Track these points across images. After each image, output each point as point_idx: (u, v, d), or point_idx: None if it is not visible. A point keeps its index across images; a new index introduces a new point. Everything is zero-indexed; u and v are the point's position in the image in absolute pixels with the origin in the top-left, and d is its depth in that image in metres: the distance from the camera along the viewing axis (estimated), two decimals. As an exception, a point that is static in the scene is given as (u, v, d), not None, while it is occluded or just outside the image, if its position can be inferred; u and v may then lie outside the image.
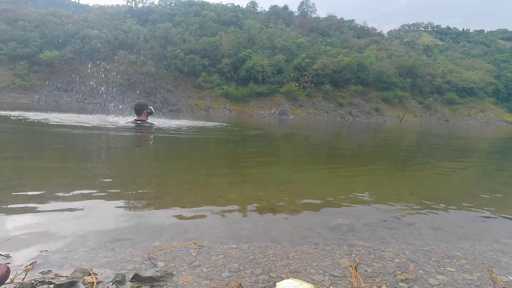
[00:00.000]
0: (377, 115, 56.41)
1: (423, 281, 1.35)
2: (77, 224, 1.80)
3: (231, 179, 3.26)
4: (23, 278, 1.20)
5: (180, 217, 2.00)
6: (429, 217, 2.24)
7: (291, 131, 13.34)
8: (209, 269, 1.36)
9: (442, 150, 8.11)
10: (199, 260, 1.43)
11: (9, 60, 46.75)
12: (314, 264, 1.46)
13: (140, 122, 7.84)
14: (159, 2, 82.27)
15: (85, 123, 8.19)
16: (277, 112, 51.78)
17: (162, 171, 3.54)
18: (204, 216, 2.03)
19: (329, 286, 1.27)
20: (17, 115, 9.81)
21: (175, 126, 9.21)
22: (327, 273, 1.37)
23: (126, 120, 8.64)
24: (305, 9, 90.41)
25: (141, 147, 5.49)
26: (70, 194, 2.33)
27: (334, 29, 79.63)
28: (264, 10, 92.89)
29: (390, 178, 3.92)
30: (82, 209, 2.01)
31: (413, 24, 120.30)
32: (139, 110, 7.89)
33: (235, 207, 2.24)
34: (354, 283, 1.29)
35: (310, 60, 58.65)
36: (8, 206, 1.99)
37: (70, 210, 2.00)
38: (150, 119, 8.34)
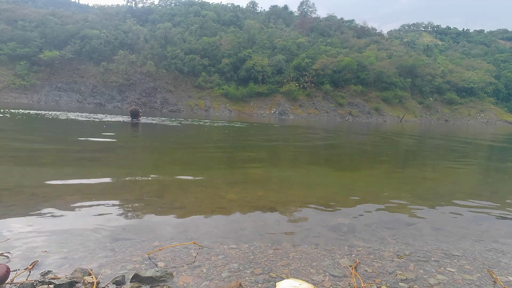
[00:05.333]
0: (377, 115, 56.40)
1: (423, 281, 1.35)
2: (77, 224, 1.80)
3: (235, 179, 3.26)
4: (23, 278, 1.20)
5: (180, 217, 2.00)
6: (429, 217, 2.24)
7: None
8: (209, 269, 1.36)
9: (442, 150, 8.11)
10: (199, 261, 1.43)
11: (9, 60, 46.74)
12: (314, 264, 1.46)
13: (136, 120, 10.08)
14: (159, 2, 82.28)
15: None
16: (277, 112, 51.78)
17: (161, 171, 3.54)
18: (204, 216, 2.03)
19: (329, 286, 1.27)
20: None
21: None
22: (327, 273, 1.37)
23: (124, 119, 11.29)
24: (305, 9, 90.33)
25: (153, 146, 5.49)
26: (70, 194, 2.33)
27: (334, 29, 79.56)
28: (264, 10, 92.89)
29: (390, 178, 3.91)
30: (82, 209, 2.01)
31: (413, 24, 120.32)
32: (135, 114, 10.25)
33: (235, 207, 2.24)
34: (354, 283, 1.29)
35: (310, 60, 58.66)
36: (8, 207, 1.99)
37: (70, 210, 2.00)
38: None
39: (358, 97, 58.56)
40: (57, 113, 14.25)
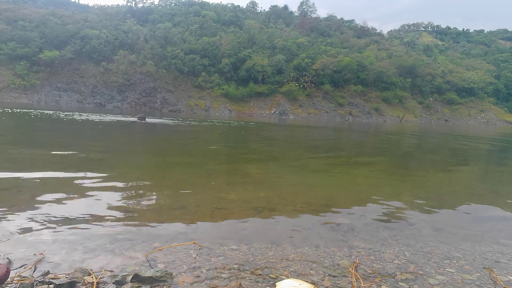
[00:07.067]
0: (377, 115, 56.39)
1: (423, 281, 1.35)
2: (77, 224, 1.79)
3: (232, 179, 3.26)
4: (23, 278, 1.20)
5: (180, 217, 2.00)
6: (430, 218, 2.24)
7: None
8: (209, 270, 1.35)
9: (442, 150, 8.10)
10: (199, 261, 1.43)
11: (9, 60, 46.71)
12: (314, 265, 1.46)
13: (144, 121, 12.83)
14: (159, 2, 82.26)
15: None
16: (277, 112, 51.76)
17: (162, 171, 3.54)
18: (204, 217, 2.02)
19: (329, 286, 1.27)
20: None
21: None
22: (327, 274, 1.37)
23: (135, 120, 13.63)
24: (305, 9, 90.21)
25: (156, 147, 5.49)
26: (70, 194, 2.33)
27: (334, 29, 79.53)
28: (264, 10, 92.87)
29: (391, 178, 3.91)
30: (82, 210, 2.01)
31: (413, 24, 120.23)
32: (143, 118, 13.57)
33: (236, 207, 2.24)
34: (354, 283, 1.29)
35: (310, 60, 58.65)
36: (8, 207, 1.99)
37: (69, 210, 2.00)
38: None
39: (358, 97, 58.55)
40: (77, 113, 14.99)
